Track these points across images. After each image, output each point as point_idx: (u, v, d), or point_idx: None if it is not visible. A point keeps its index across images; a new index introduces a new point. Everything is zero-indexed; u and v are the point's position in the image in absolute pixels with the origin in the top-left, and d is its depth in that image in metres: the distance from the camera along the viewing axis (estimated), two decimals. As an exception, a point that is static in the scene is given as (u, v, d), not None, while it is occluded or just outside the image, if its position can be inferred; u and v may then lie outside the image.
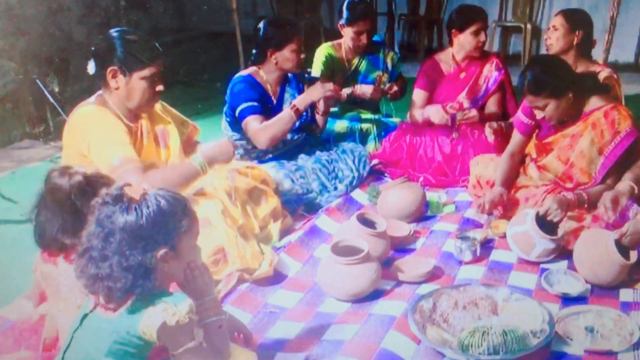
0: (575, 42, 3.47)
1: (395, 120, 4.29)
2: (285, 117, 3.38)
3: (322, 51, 4.16)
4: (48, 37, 5.22)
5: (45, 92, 4.67)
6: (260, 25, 3.51)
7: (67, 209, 1.92)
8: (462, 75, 3.98)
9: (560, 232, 2.81)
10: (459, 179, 3.78)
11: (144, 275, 1.63)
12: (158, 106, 2.84)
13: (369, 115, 4.24)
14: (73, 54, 5.28)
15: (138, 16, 6.14)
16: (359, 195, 3.61)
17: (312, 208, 3.41)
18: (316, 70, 4.10)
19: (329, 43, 4.22)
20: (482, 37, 3.85)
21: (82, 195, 1.89)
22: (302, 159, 3.61)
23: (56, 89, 5.12)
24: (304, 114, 3.61)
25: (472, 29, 3.83)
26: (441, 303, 2.37)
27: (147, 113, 2.77)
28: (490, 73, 3.96)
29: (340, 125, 4.11)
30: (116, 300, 1.65)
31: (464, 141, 3.84)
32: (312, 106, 3.65)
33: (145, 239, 1.63)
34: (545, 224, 2.80)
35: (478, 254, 2.88)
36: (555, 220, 2.82)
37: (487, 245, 3.01)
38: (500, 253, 2.95)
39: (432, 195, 3.52)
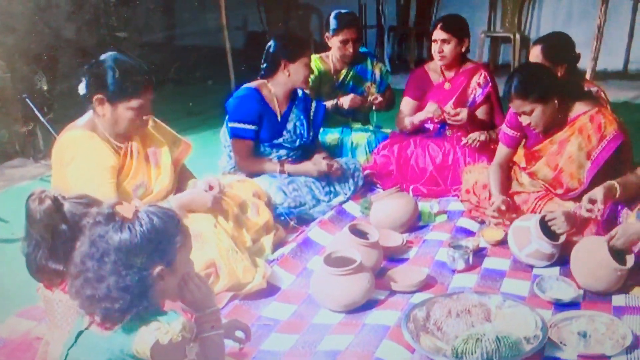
0: (559, 74, 3.31)
1: (386, 131, 4.31)
2: (270, 169, 3.51)
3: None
4: (36, 34, 5.08)
5: (36, 111, 4.63)
6: (272, 40, 3.55)
7: (44, 235, 1.87)
8: (447, 86, 4.00)
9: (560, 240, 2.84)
10: (451, 188, 3.80)
11: (141, 293, 1.61)
12: (150, 123, 2.81)
13: (359, 127, 4.26)
14: (62, 51, 5.16)
15: (128, 13, 6.02)
16: (351, 207, 3.61)
17: (305, 220, 3.41)
18: None
19: (317, 55, 4.23)
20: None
21: (54, 220, 1.84)
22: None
23: (45, 87, 4.99)
24: (305, 136, 3.63)
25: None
26: (435, 311, 2.37)
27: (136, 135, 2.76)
28: (478, 85, 3.97)
29: (331, 137, 4.12)
30: (114, 321, 1.63)
31: (455, 151, 3.86)
32: (314, 125, 3.69)
33: (141, 257, 1.62)
34: (549, 233, 2.83)
35: (471, 262, 2.89)
36: (558, 231, 2.84)
37: (479, 253, 3.02)
38: (493, 261, 2.96)
39: (424, 205, 3.53)
